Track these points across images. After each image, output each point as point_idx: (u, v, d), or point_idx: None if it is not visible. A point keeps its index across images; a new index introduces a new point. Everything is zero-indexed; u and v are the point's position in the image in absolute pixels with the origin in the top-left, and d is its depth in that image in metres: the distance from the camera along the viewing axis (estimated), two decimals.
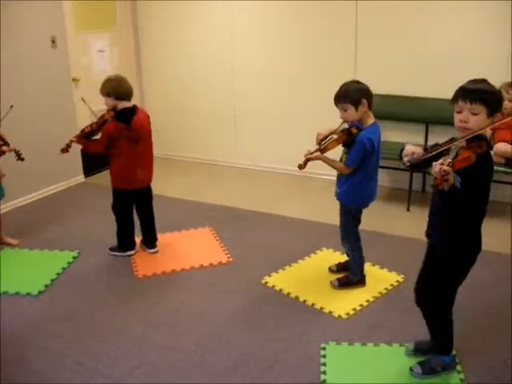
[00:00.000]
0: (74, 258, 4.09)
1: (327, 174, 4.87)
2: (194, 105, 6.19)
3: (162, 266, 3.93)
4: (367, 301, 3.41)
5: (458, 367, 2.78)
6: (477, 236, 2.52)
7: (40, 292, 3.63)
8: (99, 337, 3.15)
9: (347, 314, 3.28)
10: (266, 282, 3.67)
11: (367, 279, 3.59)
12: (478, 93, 2.29)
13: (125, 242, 4.10)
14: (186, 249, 4.20)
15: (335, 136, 3.20)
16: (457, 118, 2.36)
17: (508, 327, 3.10)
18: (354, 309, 3.33)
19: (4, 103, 4.03)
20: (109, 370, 2.87)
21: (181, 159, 6.43)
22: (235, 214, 4.83)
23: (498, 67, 4.47)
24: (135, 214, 4.11)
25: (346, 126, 3.25)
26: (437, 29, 4.76)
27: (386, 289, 3.54)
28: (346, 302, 3.40)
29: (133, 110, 3.79)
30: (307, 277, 3.72)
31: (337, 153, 3.31)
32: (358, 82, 3.28)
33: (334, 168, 3.34)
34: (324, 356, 2.90)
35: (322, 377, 2.76)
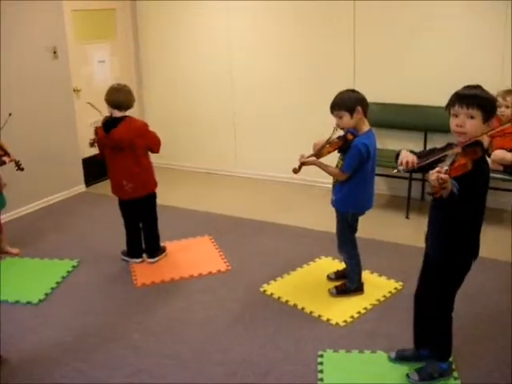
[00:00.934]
0: (73, 266, 4.11)
1: (326, 182, 4.86)
2: (194, 114, 6.24)
3: (160, 275, 3.94)
4: (365, 308, 3.41)
5: (455, 374, 2.79)
6: (474, 241, 2.53)
7: (40, 300, 3.65)
8: (98, 344, 3.16)
9: (345, 321, 3.29)
10: (264, 290, 3.68)
11: (365, 287, 3.60)
12: (475, 98, 2.32)
13: (130, 250, 4.13)
14: (185, 257, 4.22)
15: (331, 142, 3.23)
16: (453, 122, 2.38)
17: (504, 334, 3.11)
18: (352, 316, 3.33)
19: (5, 113, 4.07)
20: (107, 377, 2.88)
21: (180, 168, 6.46)
22: (234, 223, 4.85)
23: (496, 75, 4.50)
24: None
25: (341, 132, 3.27)
26: (435, 38, 4.79)
27: (384, 296, 3.55)
28: (344, 310, 3.40)
29: (117, 120, 3.81)
30: (305, 285, 3.73)
31: (333, 160, 3.33)
32: (353, 91, 3.31)
33: (329, 173, 3.34)
34: (321, 363, 2.91)
35: None
